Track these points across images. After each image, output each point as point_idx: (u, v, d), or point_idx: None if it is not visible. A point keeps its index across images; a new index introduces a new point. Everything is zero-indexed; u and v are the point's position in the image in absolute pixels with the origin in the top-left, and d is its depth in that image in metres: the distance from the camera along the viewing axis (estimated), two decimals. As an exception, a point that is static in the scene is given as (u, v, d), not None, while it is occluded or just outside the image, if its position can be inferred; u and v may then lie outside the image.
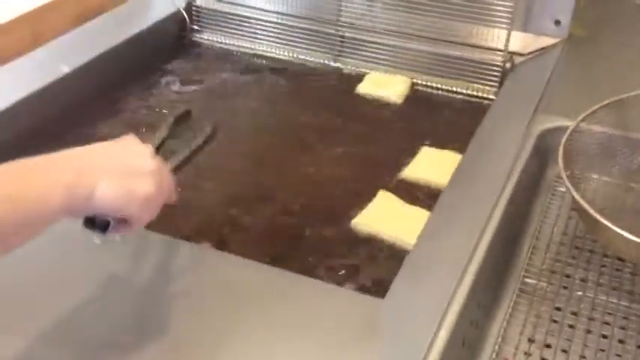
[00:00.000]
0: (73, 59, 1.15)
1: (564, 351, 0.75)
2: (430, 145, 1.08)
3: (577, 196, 0.79)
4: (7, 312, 0.71)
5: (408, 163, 1.04)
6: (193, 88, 1.24)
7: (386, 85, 1.22)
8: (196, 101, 1.20)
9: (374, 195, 0.97)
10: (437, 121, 1.16)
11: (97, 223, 0.63)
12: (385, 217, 0.93)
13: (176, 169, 0.71)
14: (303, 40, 1.31)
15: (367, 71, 1.27)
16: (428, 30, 1.24)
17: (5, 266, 0.75)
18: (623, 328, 0.78)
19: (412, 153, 1.06)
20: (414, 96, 1.23)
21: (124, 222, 0.64)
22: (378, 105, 1.20)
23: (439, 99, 1.23)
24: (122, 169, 0.63)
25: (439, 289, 0.74)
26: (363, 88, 1.23)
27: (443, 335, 0.69)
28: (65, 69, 1.13)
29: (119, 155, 0.65)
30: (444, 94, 1.23)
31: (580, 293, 0.82)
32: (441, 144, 1.08)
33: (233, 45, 1.36)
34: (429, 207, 0.91)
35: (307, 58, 1.32)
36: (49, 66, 1.13)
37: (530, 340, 0.76)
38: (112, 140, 0.67)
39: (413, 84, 1.24)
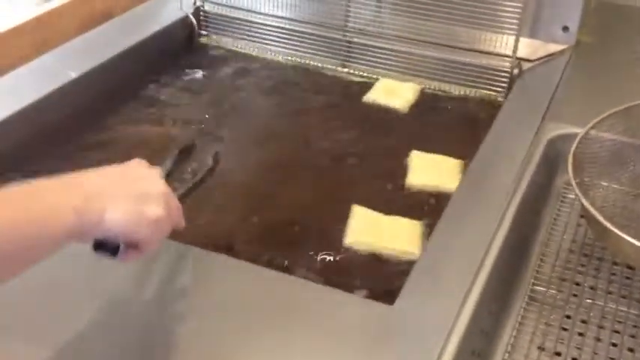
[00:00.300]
0: (81, 65, 1.15)
1: (574, 359, 0.75)
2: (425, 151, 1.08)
3: (586, 204, 0.79)
4: (8, 316, 0.71)
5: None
6: (201, 92, 1.25)
7: (394, 93, 1.22)
8: (204, 106, 1.20)
9: (376, 204, 0.96)
10: (444, 128, 1.16)
11: (106, 246, 0.63)
12: (376, 232, 0.90)
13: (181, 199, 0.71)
14: (310, 46, 1.31)
15: (374, 77, 1.27)
16: (436, 36, 1.23)
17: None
18: (632, 336, 0.78)
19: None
20: (422, 102, 1.22)
21: (133, 245, 0.64)
22: (384, 112, 1.19)
23: (447, 105, 1.22)
24: (131, 192, 0.63)
25: (449, 296, 0.74)
26: (371, 96, 1.22)
27: (453, 343, 0.69)
28: (73, 74, 1.13)
29: (128, 179, 0.65)
30: (452, 100, 1.23)
31: (590, 301, 0.81)
32: (448, 151, 1.08)
33: (241, 50, 1.36)
34: (437, 214, 0.91)
35: (315, 64, 1.32)
36: (57, 71, 1.14)
37: (540, 348, 0.76)
38: (121, 164, 0.67)
39: (422, 91, 1.24)
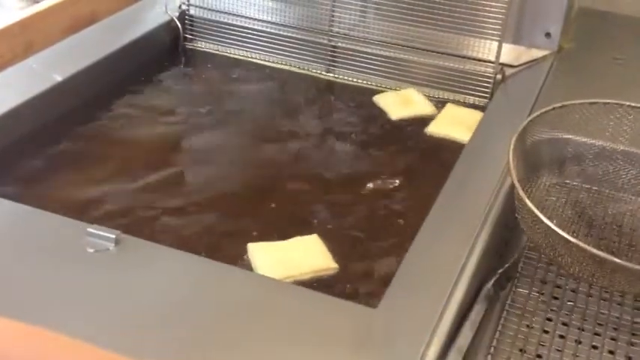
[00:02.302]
0: (66, 68, 1.15)
1: (555, 362, 0.76)
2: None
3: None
4: None
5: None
6: (186, 96, 1.25)
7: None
8: (189, 110, 1.20)
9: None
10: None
11: None
12: (285, 261, 0.87)
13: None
14: (295, 50, 1.31)
15: (358, 82, 1.28)
16: (420, 41, 1.24)
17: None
18: (613, 339, 0.78)
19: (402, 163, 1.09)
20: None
21: None
22: (367, 119, 1.20)
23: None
24: None
25: (432, 299, 0.74)
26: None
27: (435, 346, 0.69)
28: (58, 78, 1.13)
29: None
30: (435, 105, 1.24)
31: (571, 303, 0.82)
32: (429, 156, 1.10)
33: (226, 54, 1.37)
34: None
35: (299, 68, 1.32)
36: (42, 74, 1.13)
37: (522, 351, 0.76)
38: None
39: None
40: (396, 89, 1.26)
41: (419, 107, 1.21)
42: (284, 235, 0.91)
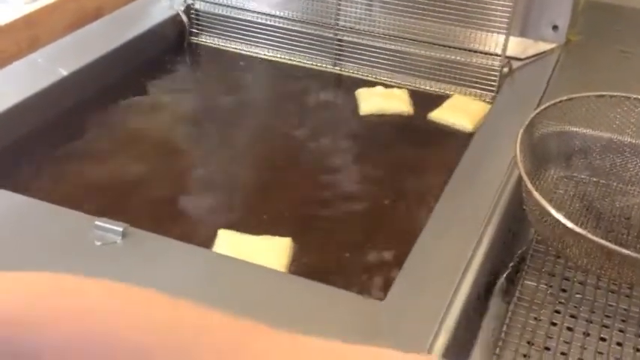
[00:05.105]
0: (71, 62, 1.15)
1: (563, 354, 0.75)
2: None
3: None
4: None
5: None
6: (192, 91, 1.25)
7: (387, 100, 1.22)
8: (194, 105, 1.20)
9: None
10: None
11: None
12: (242, 251, 0.86)
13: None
14: (301, 44, 1.31)
15: (365, 75, 1.28)
16: (426, 34, 1.24)
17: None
18: (621, 330, 0.78)
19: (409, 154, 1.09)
20: (412, 100, 1.23)
21: None
22: (376, 115, 1.20)
23: (437, 103, 1.23)
24: None
25: (439, 291, 0.74)
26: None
27: (443, 338, 0.69)
28: (63, 72, 1.13)
29: None
30: (442, 99, 1.24)
31: (579, 296, 0.82)
32: (437, 149, 1.09)
33: (232, 48, 1.37)
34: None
35: (306, 62, 1.32)
36: (47, 69, 1.13)
37: (530, 343, 0.76)
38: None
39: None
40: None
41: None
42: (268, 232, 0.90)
